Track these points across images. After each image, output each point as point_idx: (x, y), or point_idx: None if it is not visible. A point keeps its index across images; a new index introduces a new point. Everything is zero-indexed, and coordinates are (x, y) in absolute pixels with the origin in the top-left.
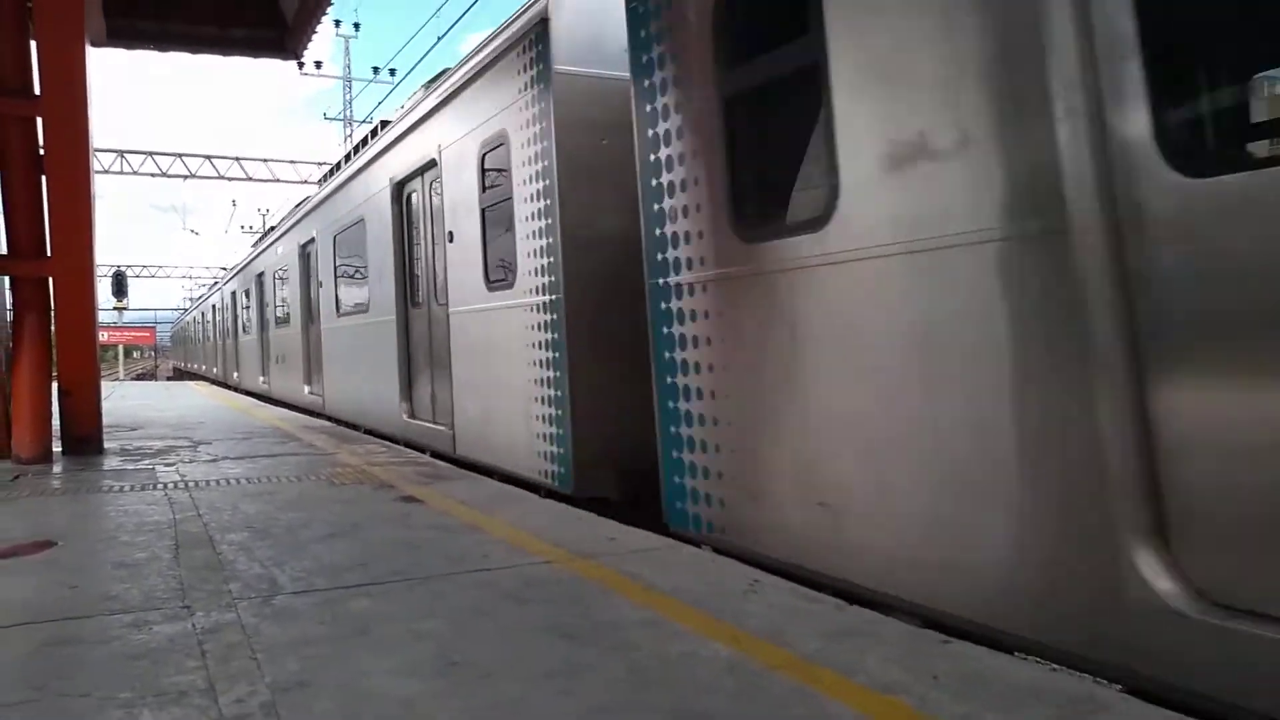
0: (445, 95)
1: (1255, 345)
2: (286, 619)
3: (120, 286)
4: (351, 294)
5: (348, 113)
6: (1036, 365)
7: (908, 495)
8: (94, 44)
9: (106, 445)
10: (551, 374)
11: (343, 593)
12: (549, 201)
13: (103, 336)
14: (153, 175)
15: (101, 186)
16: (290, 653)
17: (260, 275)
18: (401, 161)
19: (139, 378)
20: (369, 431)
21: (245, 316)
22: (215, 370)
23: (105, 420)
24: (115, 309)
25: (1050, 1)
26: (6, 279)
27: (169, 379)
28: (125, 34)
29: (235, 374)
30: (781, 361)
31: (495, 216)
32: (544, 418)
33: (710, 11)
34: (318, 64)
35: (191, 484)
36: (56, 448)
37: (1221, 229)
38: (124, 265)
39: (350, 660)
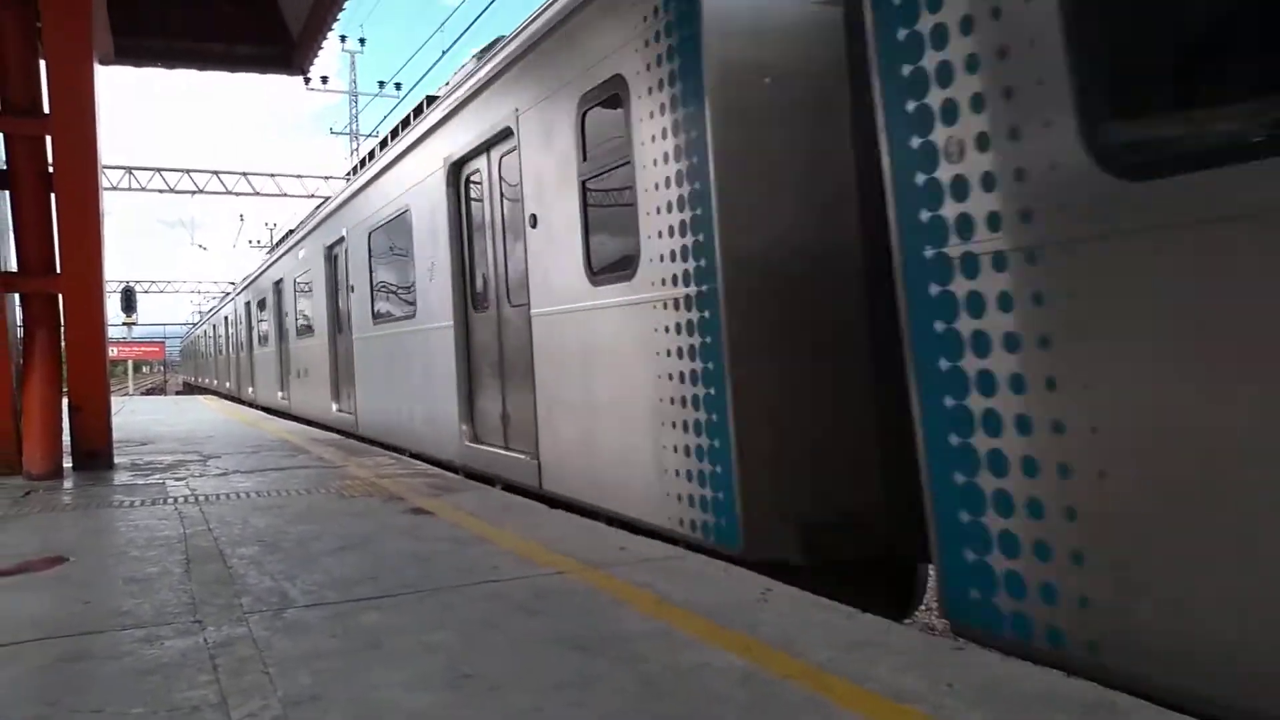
0: (524, 46)
1: None
2: (298, 632)
3: (129, 302)
4: (392, 298)
5: (354, 127)
6: None
7: None
8: (102, 62)
9: (117, 460)
10: (698, 390)
11: (354, 606)
12: (695, 160)
13: (112, 352)
14: (161, 191)
15: (110, 203)
16: (302, 666)
17: (278, 283)
18: (460, 137)
19: (148, 393)
20: (416, 456)
21: (261, 328)
22: (228, 385)
23: (115, 435)
24: (124, 324)
25: None
26: (17, 296)
27: (178, 394)
28: (133, 52)
29: (250, 389)
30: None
31: (602, 190)
32: (686, 448)
33: None
34: (324, 79)
35: (201, 498)
36: (67, 463)
37: None
38: (133, 281)
39: (362, 673)
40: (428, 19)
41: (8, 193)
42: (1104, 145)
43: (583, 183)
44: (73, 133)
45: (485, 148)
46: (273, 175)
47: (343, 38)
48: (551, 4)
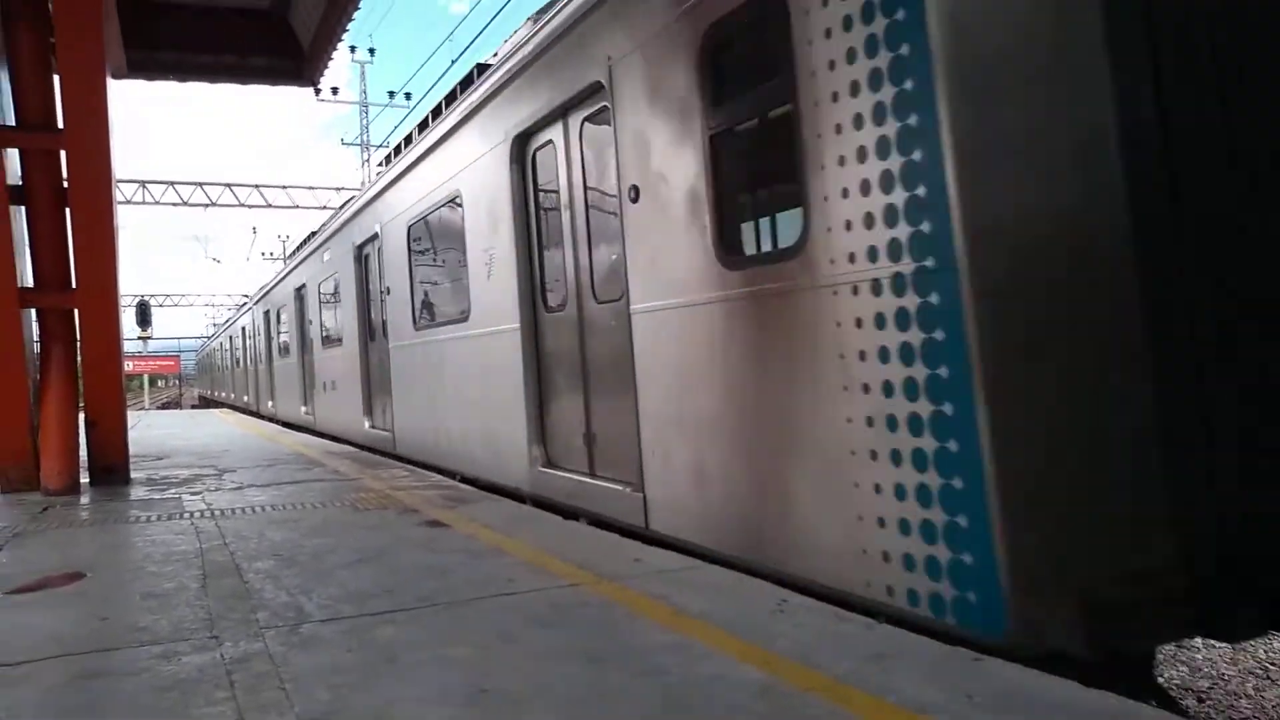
0: None
1: None
2: (314, 647)
3: (145, 316)
4: (438, 300)
5: (365, 137)
6: None
7: None
8: (115, 76)
9: (133, 475)
10: (921, 406)
11: (370, 620)
12: (912, 81)
13: (128, 366)
14: (174, 205)
15: (124, 217)
16: (319, 682)
17: (300, 289)
18: (526, 105)
19: (164, 407)
20: (468, 481)
21: (281, 338)
22: (246, 398)
23: (131, 450)
24: (140, 339)
25: None
26: (33, 312)
27: (194, 407)
28: (145, 66)
29: (269, 403)
30: None
31: (742, 146)
32: (899, 488)
33: None
34: (334, 90)
35: (217, 512)
36: (84, 478)
37: None
38: (148, 295)
39: (379, 688)
40: (437, 29)
41: (23, 208)
42: None
43: (711, 138)
44: (86, 147)
45: (560, 113)
46: (285, 187)
47: (352, 48)
48: None
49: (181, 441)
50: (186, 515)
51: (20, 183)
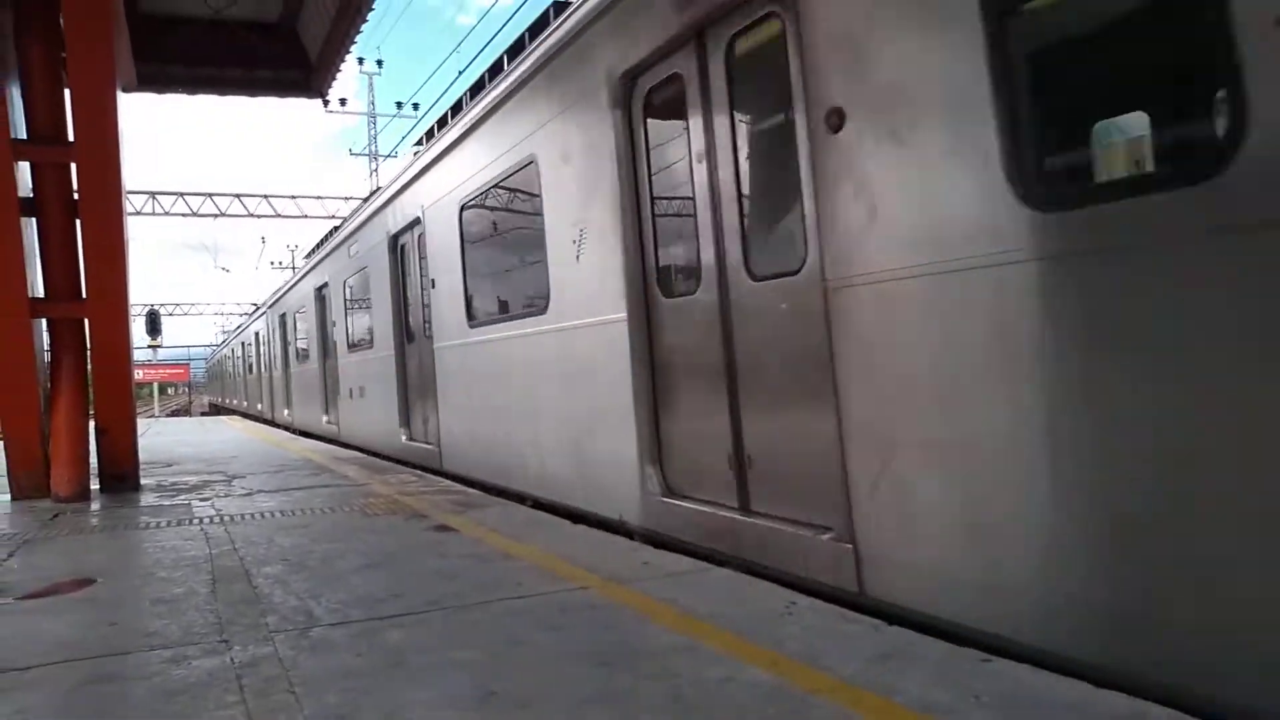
0: None
1: None
2: (324, 651)
3: (155, 325)
4: (505, 290)
5: (373, 148)
6: None
7: None
8: (125, 90)
9: (143, 481)
10: None
11: (379, 623)
12: None
13: (137, 374)
14: (184, 215)
15: (134, 228)
16: (328, 685)
17: (321, 289)
18: (634, 38)
19: (174, 414)
20: (540, 505)
21: (299, 342)
22: (259, 406)
23: (141, 457)
24: (150, 347)
25: None
26: (44, 321)
27: (203, 414)
28: (155, 79)
29: (285, 411)
30: None
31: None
32: None
33: None
34: (342, 101)
35: (226, 518)
36: (94, 485)
37: None
38: (157, 304)
39: (388, 692)
40: (444, 41)
41: (34, 220)
42: None
43: (1000, 16)
44: (97, 159)
45: (693, 33)
46: (294, 197)
47: (360, 60)
48: None
49: (190, 448)
50: (196, 521)
51: (31, 194)
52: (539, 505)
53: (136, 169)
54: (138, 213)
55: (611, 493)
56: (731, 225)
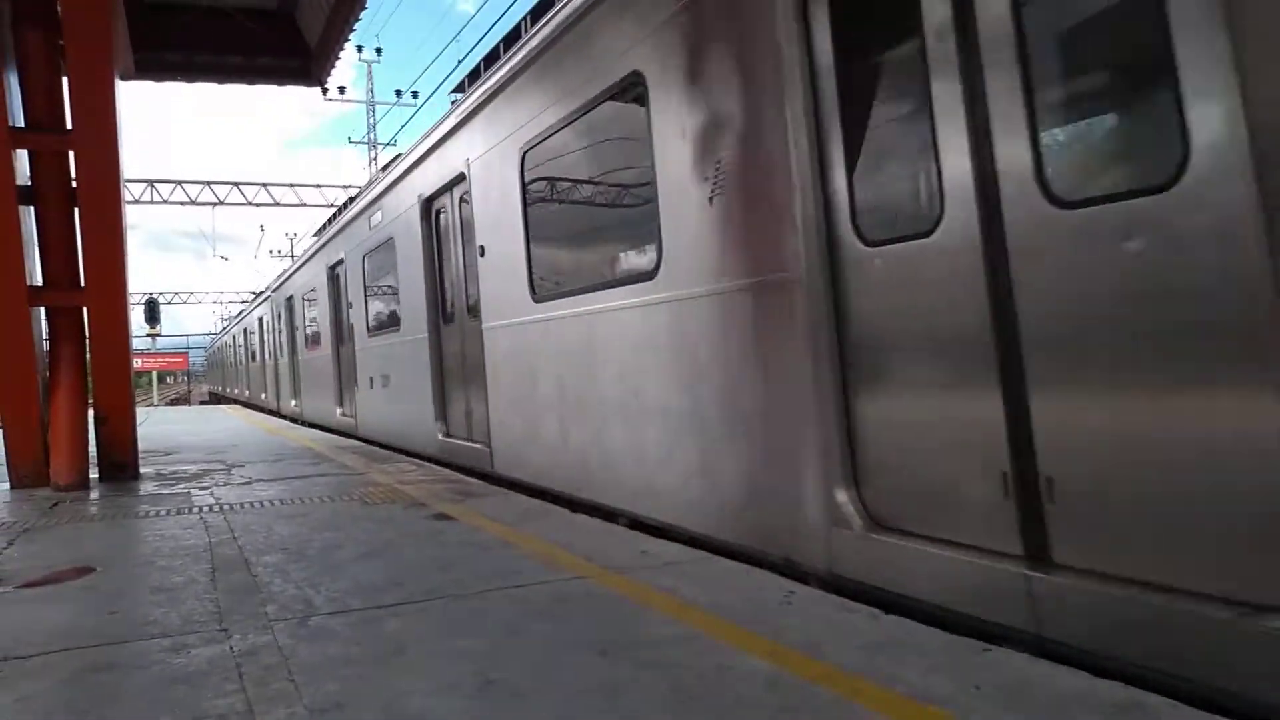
0: None
1: None
2: (323, 640)
3: (153, 314)
4: (592, 253)
5: (372, 136)
6: None
7: None
8: (123, 78)
9: (142, 470)
10: None
11: (378, 612)
12: None
13: (136, 363)
14: (182, 204)
15: (132, 216)
16: (327, 674)
17: (335, 267)
18: None
19: (173, 403)
20: (637, 525)
21: (309, 327)
22: (263, 396)
23: (141, 446)
24: (149, 335)
25: None
26: (43, 310)
27: (202, 403)
28: (153, 67)
29: (293, 402)
30: None
31: None
32: None
33: None
34: (341, 89)
35: (226, 507)
36: (94, 474)
37: None
38: (156, 292)
39: (387, 680)
40: (443, 29)
41: (32, 209)
42: None
43: None
44: (95, 148)
45: None
46: (292, 185)
47: (359, 48)
48: None
49: (190, 437)
50: (195, 510)
51: (29, 183)
52: (636, 525)
53: (136, 157)
54: (136, 201)
55: (771, 521)
56: (1012, 118)
